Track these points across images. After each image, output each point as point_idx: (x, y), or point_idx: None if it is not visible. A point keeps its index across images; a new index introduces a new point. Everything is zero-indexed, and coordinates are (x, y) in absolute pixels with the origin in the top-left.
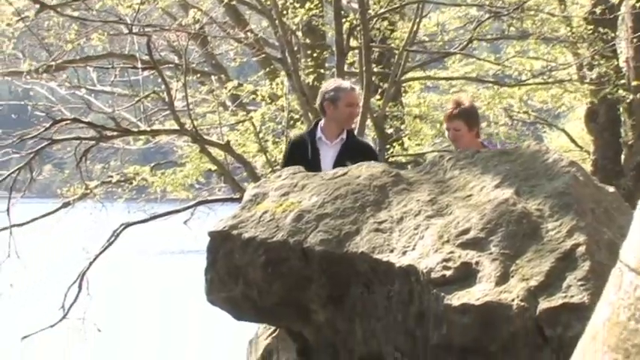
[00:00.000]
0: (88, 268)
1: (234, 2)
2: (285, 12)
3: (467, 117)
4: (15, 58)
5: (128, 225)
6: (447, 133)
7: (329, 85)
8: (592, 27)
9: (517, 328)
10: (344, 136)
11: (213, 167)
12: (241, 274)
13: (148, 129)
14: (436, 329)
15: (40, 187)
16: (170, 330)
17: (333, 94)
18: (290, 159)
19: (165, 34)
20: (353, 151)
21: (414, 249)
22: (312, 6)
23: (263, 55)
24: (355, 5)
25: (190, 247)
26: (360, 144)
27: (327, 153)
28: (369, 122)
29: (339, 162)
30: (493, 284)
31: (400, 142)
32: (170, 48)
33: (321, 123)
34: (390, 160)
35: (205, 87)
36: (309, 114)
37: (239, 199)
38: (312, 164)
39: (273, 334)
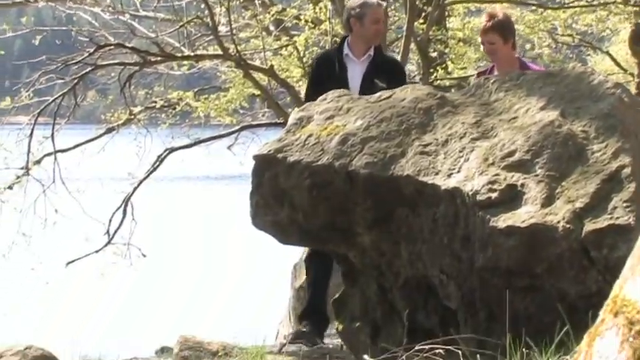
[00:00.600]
0: (132, 194)
1: None
2: None
3: (501, 29)
4: None
5: (172, 150)
6: (482, 47)
7: (355, 1)
8: None
9: (563, 249)
10: (371, 52)
11: (257, 92)
12: (286, 197)
13: (192, 54)
14: (482, 251)
15: (84, 113)
16: (214, 255)
17: (359, 10)
18: (317, 75)
19: None
20: (381, 68)
21: (459, 171)
22: None
23: None
24: None
25: (234, 172)
26: (387, 60)
27: (355, 70)
28: (412, 46)
29: (368, 79)
30: (539, 206)
31: (444, 65)
32: None
33: (348, 39)
34: (434, 83)
35: (249, 12)
36: None
37: (282, 124)
38: (340, 80)
39: None
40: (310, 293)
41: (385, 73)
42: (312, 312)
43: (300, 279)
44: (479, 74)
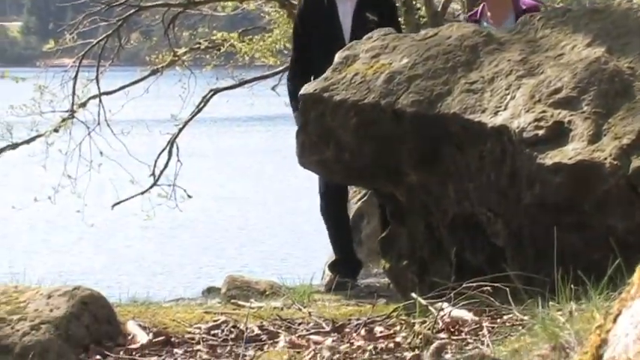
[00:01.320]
0: (177, 135)
1: None
2: None
3: None
4: None
5: (217, 91)
6: None
7: None
8: None
9: (610, 186)
10: None
11: None
12: (333, 136)
13: None
14: (529, 189)
15: (128, 56)
16: (259, 195)
17: None
18: (305, 12)
19: None
20: (371, 2)
21: (505, 109)
22: None
23: None
24: None
25: (278, 112)
26: None
27: (346, 6)
28: None
29: (358, 14)
30: (585, 143)
31: None
32: None
33: None
34: None
35: None
36: None
37: None
38: (330, 17)
39: (363, 199)
40: (336, 244)
41: (376, 7)
42: (344, 261)
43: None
44: (469, 17)
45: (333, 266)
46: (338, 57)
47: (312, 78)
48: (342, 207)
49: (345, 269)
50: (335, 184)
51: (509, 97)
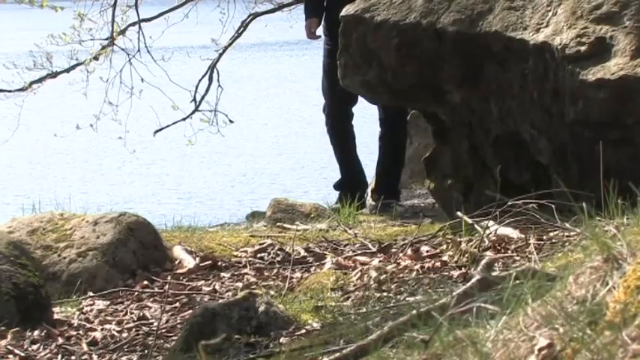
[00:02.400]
0: (217, 60)
1: None
2: None
3: None
4: None
5: (256, 15)
6: None
7: None
8: None
9: None
10: None
11: None
12: (375, 57)
13: None
14: (572, 105)
15: None
16: (301, 119)
17: None
18: None
19: None
20: None
21: (547, 26)
22: None
23: None
24: None
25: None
26: None
27: None
28: None
29: None
30: (628, 58)
31: None
32: None
33: None
34: None
35: None
36: None
37: None
38: None
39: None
40: (342, 164)
41: None
42: (349, 182)
43: None
44: None
45: (338, 186)
46: None
47: None
48: (348, 126)
49: (350, 190)
50: (340, 103)
51: (550, 13)
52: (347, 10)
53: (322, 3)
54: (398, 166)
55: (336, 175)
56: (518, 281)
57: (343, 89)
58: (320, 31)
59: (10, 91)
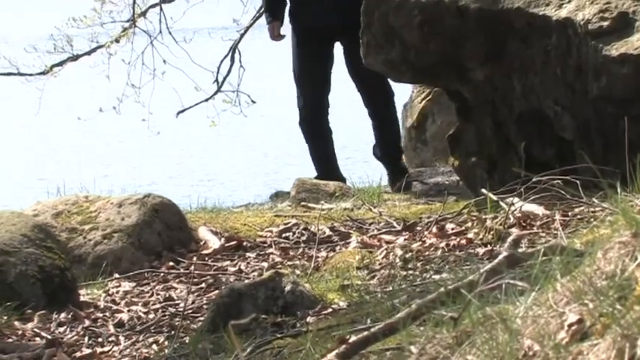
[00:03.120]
0: (239, 41)
1: None
2: None
3: None
4: None
5: None
6: None
7: None
8: None
9: None
10: None
11: None
12: (397, 35)
13: None
14: (595, 81)
15: None
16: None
17: None
18: None
19: None
20: None
21: (570, 1)
22: None
23: None
24: None
25: None
26: None
27: None
28: None
29: None
30: None
31: None
32: None
33: None
34: None
35: None
36: None
37: None
38: None
39: (428, 98)
40: (317, 161)
41: None
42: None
43: (410, 118)
44: None
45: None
46: None
47: None
48: (324, 121)
49: None
50: (315, 97)
51: None
52: None
53: (282, 2)
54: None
55: (359, 156)
56: (545, 257)
57: (317, 76)
58: (284, 30)
59: (31, 75)
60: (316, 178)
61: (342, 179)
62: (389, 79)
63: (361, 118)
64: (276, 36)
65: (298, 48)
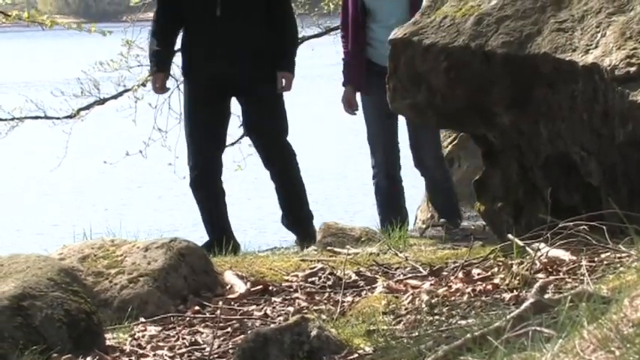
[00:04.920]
0: None
1: None
2: None
3: None
4: None
5: (302, 40)
6: None
7: None
8: None
9: None
10: None
11: None
12: (423, 80)
13: None
14: (622, 127)
15: None
16: (350, 142)
17: None
18: None
19: None
20: None
21: (596, 47)
22: None
23: None
24: None
25: None
26: None
27: None
28: None
29: None
30: None
31: None
32: None
33: None
34: None
35: None
36: None
37: None
38: None
39: (454, 142)
40: (208, 224)
41: None
42: (219, 243)
43: None
44: None
45: (207, 248)
46: (426, 1)
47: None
48: (216, 182)
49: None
50: (208, 158)
51: (599, 34)
52: (395, 33)
53: (169, 54)
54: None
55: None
56: (572, 304)
57: (210, 135)
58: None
59: (57, 118)
60: (206, 244)
61: (236, 244)
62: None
63: None
64: (159, 88)
65: (190, 103)
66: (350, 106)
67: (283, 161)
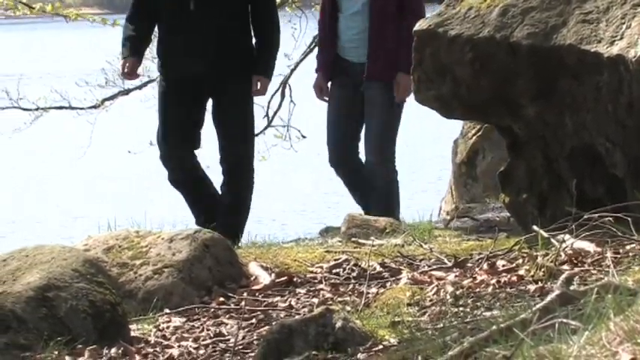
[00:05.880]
0: (289, 76)
1: None
2: None
3: None
4: None
5: None
6: None
7: None
8: None
9: None
10: None
11: None
12: (449, 71)
13: None
14: None
15: None
16: None
17: None
18: None
19: None
20: None
21: (621, 38)
22: None
23: None
24: None
25: None
26: None
27: None
28: None
29: None
30: None
31: None
32: None
33: None
34: None
35: None
36: None
37: (437, 0)
38: None
39: (478, 134)
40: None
41: None
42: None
43: (461, 154)
44: None
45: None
46: None
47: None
48: (193, 179)
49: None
50: (182, 159)
51: (624, 26)
52: (420, 25)
53: (144, 40)
54: (236, 215)
55: (410, 192)
56: (598, 296)
57: (184, 134)
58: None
59: (82, 109)
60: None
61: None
62: None
63: (409, 150)
64: (128, 74)
65: (165, 102)
66: (320, 92)
67: (239, 175)
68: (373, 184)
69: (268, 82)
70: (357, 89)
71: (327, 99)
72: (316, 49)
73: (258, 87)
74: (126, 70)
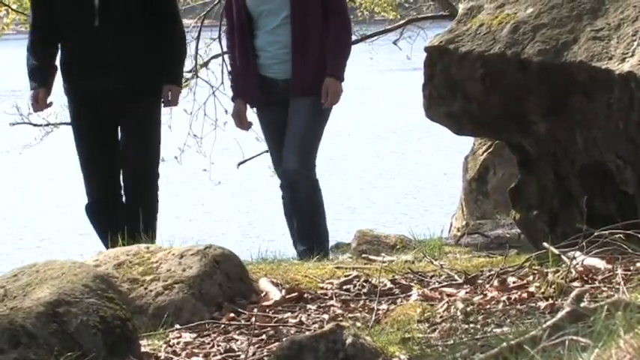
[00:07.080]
0: None
1: None
2: None
3: None
4: None
5: None
6: None
7: None
8: None
9: None
10: None
11: None
12: (459, 88)
13: None
14: None
15: None
16: (384, 149)
17: None
18: None
19: None
20: None
21: (632, 55)
22: None
23: None
24: None
25: (400, 66)
26: None
27: None
28: None
29: None
30: None
31: None
32: None
33: None
34: None
35: None
36: None
37: (448, 17)
38: None
39: (489, 150)
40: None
41: None
42: None
43: (471, 171)
44: None
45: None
46: (462, 8)
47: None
48: (111, 212)
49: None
50: (100, 186)
51: (635, 43)
52: (431, 41)
53: (48, 67)
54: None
55: (420, 208)
56: (608, 313)
57: (102, 169)
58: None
59: None
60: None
61: None
62: None
63: (416, 166)
64: (39, 106)
65: (77, 132)
66: (241, 123)
67: (144, 197)
68: (295, 195)
69: (179, 91)
70: (285, 108)
71: (246, 129)
72: None
73: (170, 97)
74: (37, 102)
